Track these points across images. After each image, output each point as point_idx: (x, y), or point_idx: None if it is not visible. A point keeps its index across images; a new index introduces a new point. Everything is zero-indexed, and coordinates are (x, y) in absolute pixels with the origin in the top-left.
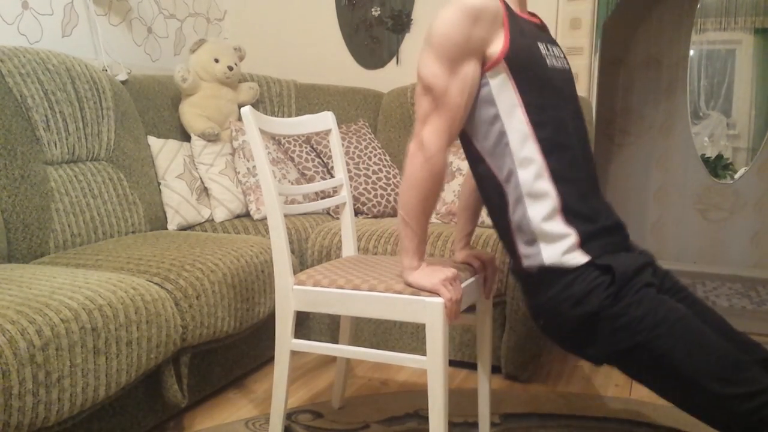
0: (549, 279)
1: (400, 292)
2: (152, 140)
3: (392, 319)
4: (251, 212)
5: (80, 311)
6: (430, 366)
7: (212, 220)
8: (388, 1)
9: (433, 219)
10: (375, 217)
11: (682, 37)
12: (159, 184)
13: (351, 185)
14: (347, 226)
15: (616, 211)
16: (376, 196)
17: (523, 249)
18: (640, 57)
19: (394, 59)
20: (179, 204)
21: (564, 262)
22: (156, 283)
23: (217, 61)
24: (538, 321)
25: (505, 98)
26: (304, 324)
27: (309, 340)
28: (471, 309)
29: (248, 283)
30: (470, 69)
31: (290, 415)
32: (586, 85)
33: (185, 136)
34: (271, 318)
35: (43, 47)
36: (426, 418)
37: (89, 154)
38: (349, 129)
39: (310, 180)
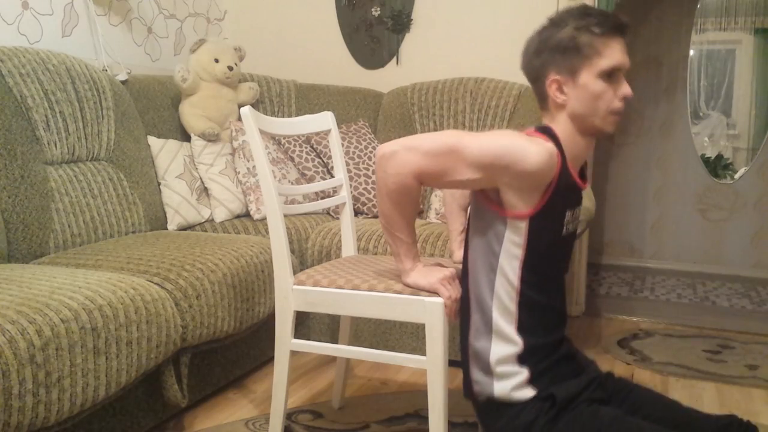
0: (497, 409)
1: (399, 292)
2: (152, 140)
3: (392, 319)
4: (251, 212)
5: (80, 311)
6: (430, 366)
7: (212, 220)
8: (388, 1)
9: (433, 219)
10: (375, 217)
11: (682, 37)
12: (159, 184)
13: (351, 185)
14: (347, 226)
15: (614, 214)
16: (376, 196)
17: (475, 374)
18: (640, 57)
19: (394, 59)
20: (179, 204)
21: (512, 397)
22: (156, 283)
23: (217, 61)
24: None
25: (512, 252)
26: (304, 324)
27: (309, 340)
28: None
29: (248, 283)
30: (473, 181)
31: (290, 415)
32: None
33: (185, 136)
34: (271, 318)
35: (43, 47)
36: (426, 418)
37: (89, 154)
38: (349, 129)
39: (310, 180)
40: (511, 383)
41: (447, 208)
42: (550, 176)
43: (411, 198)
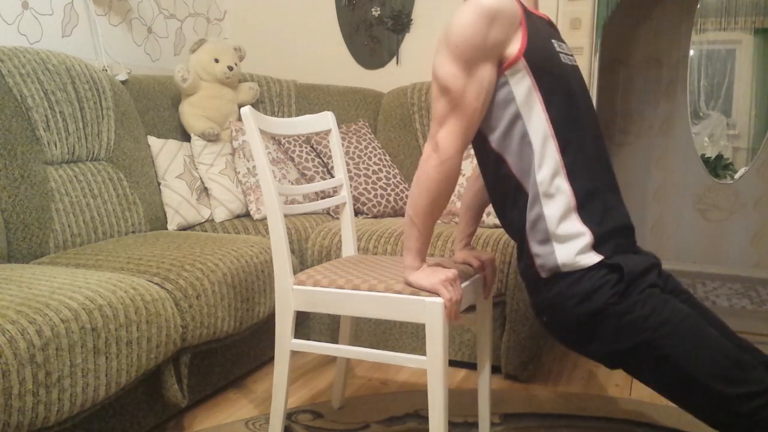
0: (557, 276)
1: (399, 292)
2: (152, 140)
3: (392, 319)
4: (251, 212)
5: (80, 311)
6: (430, 366)
7: (212, 220)
8: (388, 1)
9: None
10: (375, 217)
11: (682, 37)
12: (159, 184)
13: (351, 185)
14: (347, 226)
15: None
16: (376, 196)
17: (536, 248)
18: (640, 57)
19: (394, 59)
20: (179, 204)
21: (577, 262)
22: (156, 283)
23: (217, 61)
24: (541, 317)
25: (526, 96)
26: (304, 324)
27: (309, 340)
28: (471, 309)
29: (248, 283)
30: (487, 72)
31: (290, 415)
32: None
33: (185, 136)
34: (271, 318)
35: (43, 47)
36: (426, 418)
37: (89, 154)
38: (349, 129)
39: (310, 180)
40: (575, 246)
41: (463, 208)
42: (512, 5)
43: (453, 184)
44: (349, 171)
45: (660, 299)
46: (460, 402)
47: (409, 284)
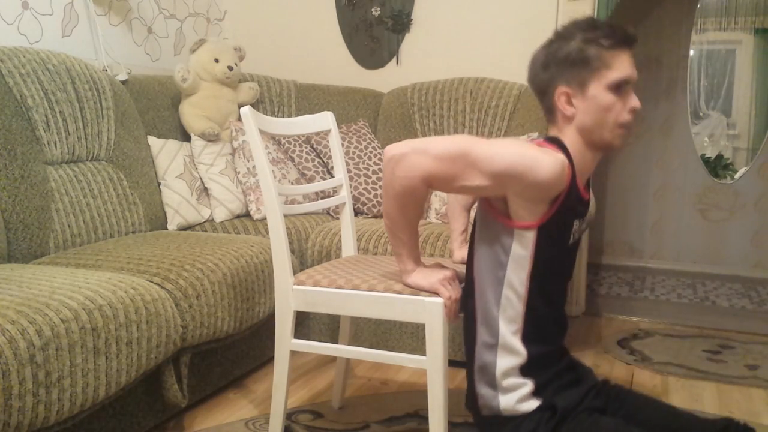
0: (498, 422)
1: (399, 292)
2: (152, 140)
3: (392, 319)
4: (251, 212)
5: (80, 311)
6: (430, 366)
7: (212, 220)
8: (388, 1)
9: (433, 219)
10: (375, 217)
11: (682, 37)
12: (159, 184)
13: (351, 185)
14: (347, 226)
15: (614, 214)
16: (376, 196)
17: (481, 389)
18: (640, 57)
19: (394, 59)
20: (179, 204)
21: (517, 410)
22: (156, 283)
23: (217, 61)
24: None
25: (520, 262)
26: (304, 324)
27: (309, 340)
28: None
29: (248, 283)
30: (483, 188)
31: (290, 415)
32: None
33: (185, 136)
34: (271, 318)
35: (43, 47)
36: (426, 418)
37: (89, 154)
38: (349, 129)
39: (310, 180)
40: (517, 396)
41: (449, 207)
42: (560, 188)
43: (417, 201)
44: (349, 171)
45: (587, 423)
46: (460, 402)
47: (407, 286)
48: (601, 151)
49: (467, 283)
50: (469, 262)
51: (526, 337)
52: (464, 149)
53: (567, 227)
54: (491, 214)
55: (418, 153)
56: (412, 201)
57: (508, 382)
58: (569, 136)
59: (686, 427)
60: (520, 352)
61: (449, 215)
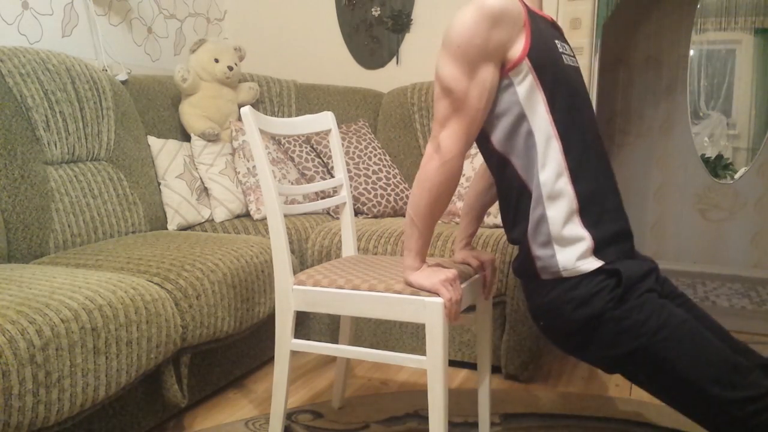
0: (556, 281)
1: (399, 292)
2: (152, 140)
3: (392, 319)
4: (251, 212)
5: (80, 311)
6: (430, 366)
7: (212, 220)
8: (388, 1)
9: None
10: (375, 217)
11: (682, 37)
12: (159, 184)
13: (351, 185)
14: (347, 226)
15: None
16: (376, 196)
17: (537, 251)
18: (640, 57)
19: (394, 59)
20: (179, 204)
21: (577, 267)
22: (156, 283)
23: (217, 61)
24: (538, 322)
25: (530, 97)
26: (304, 324)
27: (309, 340)
28: (471, 309)
29: (248, 283)
30: (489, 73)
31: (290, 415)
32: (586, 86)
33: (185, 136)
34: (271, 318)
35: (43, 47)
36: (426, 418)
37: (89, 154)
38: (349, 129)
39: (310, 180)
40: (576, 251)
41: (465, 208)
42: (516, 6)
43: (454, 185)
44: (349, 171)
45: (657, 304)
46: (460, 402)
47: (409, 284)
48: None
49: (498, 164)
50: (489, 149)
51: (573, 175)
52: (441, 92)
53: (551, 45)
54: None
55: (443, 129)
56: (451, 186)
57: (564, 232)
58: None
59: (741, 350)
60: (570, 193)
61: (462, 214)
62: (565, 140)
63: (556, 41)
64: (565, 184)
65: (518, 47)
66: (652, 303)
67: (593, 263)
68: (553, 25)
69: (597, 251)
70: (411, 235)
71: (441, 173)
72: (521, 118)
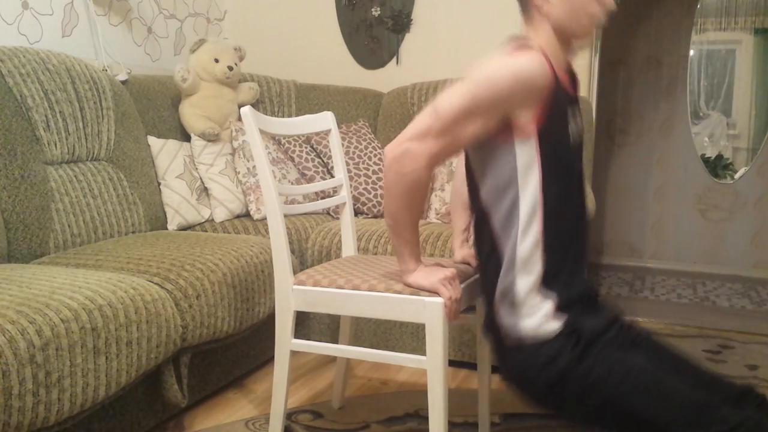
0: (522, 348)
1: (399, 292)
2: (152, 140)
3: (392, 319)
4: (251, 212)
5: (80, 311)
6: (430, 366)
7: (212, 220)
8: (388, 1)
9: (433, 219)
10: (375, 217)
11: (682, 37)
12: (159, 184)
13: (351, 185)
14: (347, 226)
15: (614, 214)
16: (376, 196)
17: (502, 318)
18: (640, 57)
19: (394, 59)
20: (179, 204)
21: (539, 333)
22: (156, 283)
23: (217, 61)
24: (510, 384)
25: (527, 170)
26: (304, 324)
27: (309, 340)
28: (471, 309)
29: (248, 283)
30: (488, 123)
31: (290, 415)
32: (586, 85)
33: (185, 136)
34: (271, 318)
35: (43, 47)
36: (426, 418)
37: (89, 154)
38: (349, 129)
39: (310, 180)
40: (539, 317)
41: (452, 205)
42: (546, 79)
43: (423, 194)
44: (349, 171)
45: (616, 357)
46: (460, 402)
47: (408, 285)
48: (571, 44)
49: (478, 215)
50: (475, 196)
51: (546, 249)
52: (434, 111)
53: (563, 123)
54: (491, 137)
55: (419, 140)
56: (420, 195)
57: (529, 302)
58: (544, 32)
59: (708, 384)
60: (540, 265)
61: (452, 213)
62: (548, 218)
63: (570, 118)
64: (538, 258)
65: (530, 116)
66: (612, 356)
67: (555, 325)
68: (571, 96)
69: (558, 314)
70: (397, 242)
71: (405, 182)
72: (513, 184)
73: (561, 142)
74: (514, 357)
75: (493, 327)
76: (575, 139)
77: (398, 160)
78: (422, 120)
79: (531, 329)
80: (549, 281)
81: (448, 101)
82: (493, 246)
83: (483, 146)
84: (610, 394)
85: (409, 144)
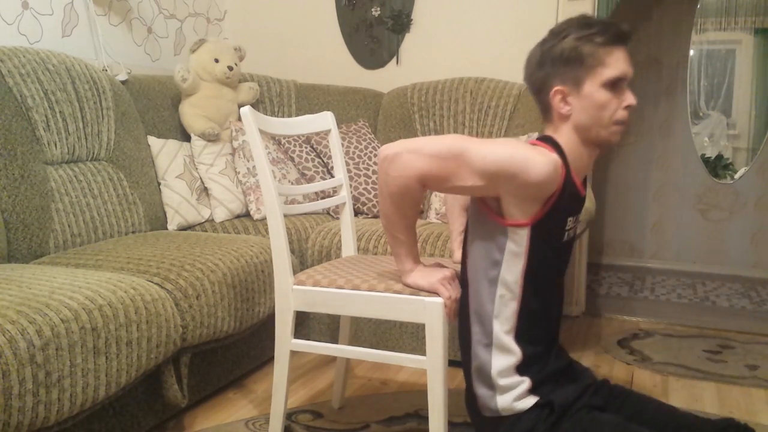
0: (499, 421)
1: (399, 292)
2: (152, 140)
3: (392, 319)
4: (251, 212)
5: (80, 311)
6: (430, 366)
7: (212, 220)
8: (388, 1)
9: (433, 219)
10: (375, 217)
11: (682, 37)
12: (159, 184)
13: (351, 185)
14: (347, 226)
15: (614, 214)
16: (375, 196)
17: (478, 389)
18: (640, 57)
19: (394, 59)
20: (179, 204)
21: (514, 408)
22: (156, 283)
23: (217, 61)
24: None
25: (514, 258)
26: (304, 324)
27: (309, 340)
28: None
29: (248, 283)
30: (492, 189)
31: (290, 415)
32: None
33: (185, 136)
34: (271, 318)
35: (43, 47)
36: (426, 418)
37: (89, 154)
38: (349, 129)
39: (310, 180)
40: (514, 394)
41: (448, 207)
42: (553, 187)
43: (413, 200)
44: (349, 171)
45: (587, 420)
46: (460, 402)
47: (407, 286)
48: (597, 148)
49: (461, 282)
50: (463, 261)
51: (520, 336)
52: (457, 149)
53: (560, 225)
54: (485, 212)
55: (411, 152)
56: (408, 200)
57: (504, 381)
58: (565, 134)
59: (687, 427)
60: (515, 351)
61: (449, 215)
62: (525, 304)
63: (569, 219)
64: (512, 342)
65: (528, 212)
66: (585, 418)
67: (529, 401)
68: (579, 200)
69: (533, 391)
70: (393, 242)
71: (394, 184)
72: (497, 266)
73: (553, 239)
74: (493, 428)
75: (470, 396)
76: (569, 236)
77: (389, 161)
78: (426, 139)
79: (506, 404)
80: (522, 367)
81: (454, 141)
82: (467, 320)
83: (479, 216)
84: None
85: (404, 151)
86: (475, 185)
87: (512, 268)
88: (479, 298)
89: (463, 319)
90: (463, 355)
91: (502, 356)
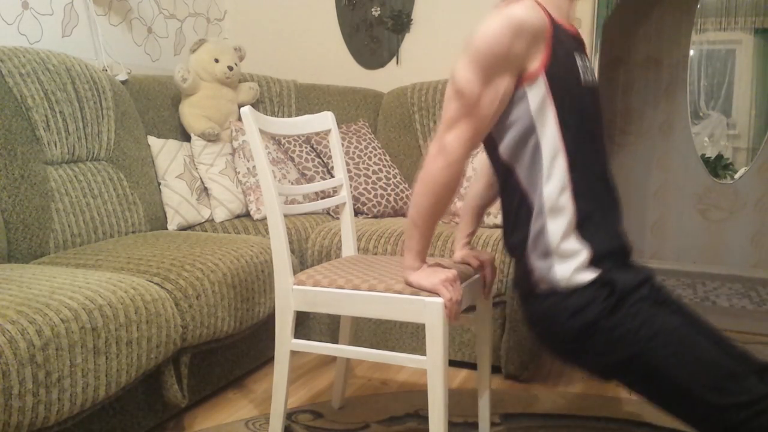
0: (552, 290)
1: (399, 292)
2: (152, 140)
3: (392, 319)
4: (251, 212)
5: (80, 311)
6: (430, 366)
7: (212, 220)
8: (388, 1)
9: None
10: (375, 217)
11: (682, 37)
12: (159, 184)
13: (351, 185)
14: (347, 226)
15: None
16: (376, 196)
17: (535, 262)
18: (640, 57)
19: (394, 59)
20: (179, 204)
21: (573, 279)
22: (156, 283)
23: (217, 61)
24: (534, 329)
25: (542, 111)
26: (304, 324)
27: (309, 340)
28: (471, 309)
29: (248, 283)
30: (504, 82)
31: (290, 415)
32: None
33: (185, 136)
34: (271, 318)
35: (43, 47)
36: (426, 418)
37: (89, 154)
38: (349, 129)
39: (310, 180)
40: (573, 264)
41: (465, 206)
42: (542, 22)
43: (456, 186)
44: (349, 171)
45: (650, 312)
46: (460, 402)
47: (409, 284)
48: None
49: (503, 172)
50: (496, 157)
51: (576, 192)
52: (458, 90)
53: (570, 61)
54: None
55: (451, 130)
56: (453, 188)
57: (563, 245)
58: None
59: (736, 355)
60: (570, 210)
61: (462, 215)
62: (572, 156)
63: (577, 56)
64: (568, 200)
65: (537, 60)
66: (645, 312)
67: (589, 275)
68: (576, 38)
69: (593, 264)
70: (412, 235)
71: (445, 174)
72: (531, 130)
73: (571, 80)
74: (543, 302)
75: (524, 273)
76: (587, 78)
77: (441, 152)
78: (447, 108)
79: (564, 276)
80: (582, 228)
81: (461, 77)
82: (522, 197)
83: (502, 114)
84: (639, 348)
85: (446, 137)
86: (507, 86)
87: (546, 123)
88: (525, 170)
89: (514, 202)
90: (516, 237)
91: (558, 218)
